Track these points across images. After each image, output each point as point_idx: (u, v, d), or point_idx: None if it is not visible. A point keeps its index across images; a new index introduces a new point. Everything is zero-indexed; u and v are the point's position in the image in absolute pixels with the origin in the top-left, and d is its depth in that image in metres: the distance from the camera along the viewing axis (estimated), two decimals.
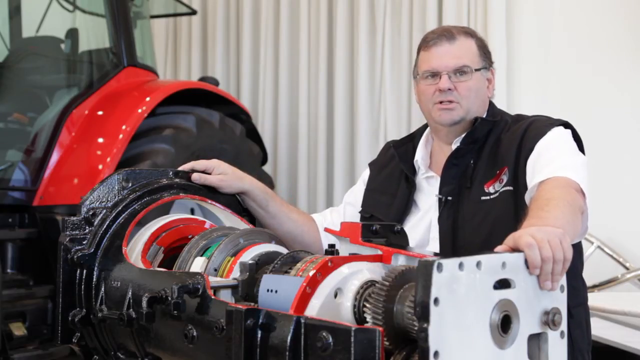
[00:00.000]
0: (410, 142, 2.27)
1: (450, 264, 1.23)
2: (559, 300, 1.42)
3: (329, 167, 5.07)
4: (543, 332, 1.39)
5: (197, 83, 4.43)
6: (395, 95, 4.84)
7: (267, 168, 4.78)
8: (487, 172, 2.04)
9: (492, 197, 2.00)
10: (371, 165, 2.37)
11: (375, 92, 4.91)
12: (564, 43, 4.51)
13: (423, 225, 2.11)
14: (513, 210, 1.94)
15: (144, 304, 1.57)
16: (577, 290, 2.02)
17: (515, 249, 1.39)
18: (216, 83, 4.55)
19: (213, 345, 1.48)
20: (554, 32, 4.53)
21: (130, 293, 1.71)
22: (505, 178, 1.99)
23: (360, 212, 2.25)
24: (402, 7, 4.81)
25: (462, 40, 2.09)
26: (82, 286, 1.83)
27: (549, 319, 1.38)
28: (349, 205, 2.32)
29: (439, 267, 1.21)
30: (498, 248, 1.42)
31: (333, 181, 5.01)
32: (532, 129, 2.02)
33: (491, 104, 2.19)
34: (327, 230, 1.85)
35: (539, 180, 1.85)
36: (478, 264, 1.27)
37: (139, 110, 3.78)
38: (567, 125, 2.06)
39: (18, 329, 3.32)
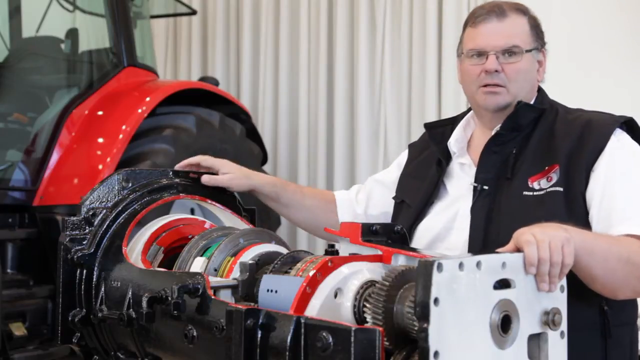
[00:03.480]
0: (449, 125, 2.11)
1: (450, 264, 1.23)
2: (559, 301, 1.42)
3: (329, 167, 5.07)
4: (543, 332, 1.39)
5: (197, 83, 4.43)
6: (395, 95, 4.83)
7: (267, 168, 4.78)
8: (533, 164, 1.87)
9: (536, 193, 1.84)
10: (410, 147, 2.24)
11: (375, 92, 4.91)
12: (564, 43, 4.51)
13: (449, 213, 1.97)
14: (565, 213, 1.77)
15: (144, 304, 1.57)
16: (622, 307, 1.88)
17: (518, 248, 1.40)
18: (216, 83, 4.55)
19: (213, 345, 1.48)
20: (553, 31, 4.52)
21: (130, 293, 1.71)
22: (555, 177, 1.83)
23: (393, 197, 2.14)
24: (402, 7, 4.80)
25: (513, 18, 1.93)
26: (82, 286, 1.82)
27: (549, 319, 1.38)
28: (377, 184, 2.23)
29: (439, 267, 1.21)
30: (501, 249, 1.42)
31: (333, 181, 5.00)
32: (591, 128, 1.86)
33: (541, 91, 2.02)
34: (326, 230, 1.85)
35: (620, 232, 1.71)
36: (478, 264, 1.28)
37: (139, 110, 3.78)
38: (629, 123, 1.90)
39: (18, 329, 3.32)
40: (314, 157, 5.11)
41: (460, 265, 1.24)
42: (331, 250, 1.60)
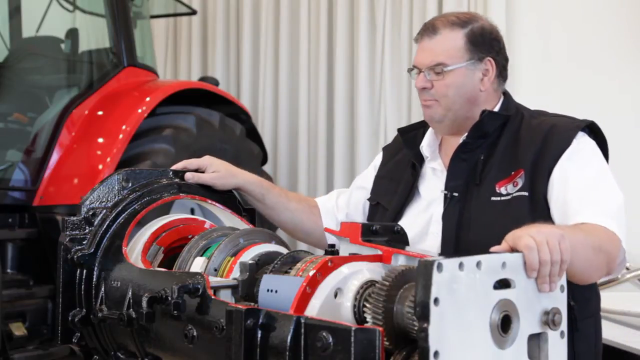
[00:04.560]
0: (421, 128, 2.17)
1: (450, 264, 1.23)
2: (559, 300, 1.42)
3: (329, 167, 5.07)
4: (543, 332, 1.39)
5: (197, 83, 4.43)
6: (395, 95, 4.84)
7: (267, 168, 4.78)
8: (500, 170, 1.94)
9: (503, 198, 1.90)
10: (384, 150, 2.30)
11: (375, 92, 4.91)
12: (564, 43, 4.51)
13: (424, 218, 2.03)
14: (529, 217, 1.81)
15: (144, 304, 1.57)
16: (588, 301, 1.95)
17: (513, 249, 1.40)
18: (216, 83, 4.55)
19: (213, 345, 1.48)
20: (554, 32, 4.53)
21: (130, 293, 1.71)
22: (520, 182, 1.90)
23: (369, 199, 2.20)
24: (402, 7, 4.81)
25: (444, 34, 1.99)
26: (82, 286, 1.82)
27: (549, 319, 1.38)
28: (358, 190, 2.26)
29: (439, 267, 1.21)
30: (496, 247, 1.42)
31: (333, 181, 5.01)
32: (554, 133, 1.92)
33: (507, 96, 2.08)
34: (326, 230, 1.85)
35: (582, 221, 1.76)
36: (478, 264, 1.28)
37: (139, 110, 3.78)
38: (592, 127, 1.97)
39: (18, 329, 3.32)
40: (314, 157, 5.11)
41: (460, 265, 1.24)
42: (331, 250, 1.60)
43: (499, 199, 1.91)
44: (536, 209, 1.86)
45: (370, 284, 1.43)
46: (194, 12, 5.14)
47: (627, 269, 4.09)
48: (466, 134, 2.00)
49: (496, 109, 2.03)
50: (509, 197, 1.90)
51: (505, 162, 1.94)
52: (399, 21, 4.83)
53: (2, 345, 3.22)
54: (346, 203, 2.26)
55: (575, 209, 1.81)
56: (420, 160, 2.11)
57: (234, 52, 5.51)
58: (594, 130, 1.99)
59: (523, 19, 4.59)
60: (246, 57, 5.38)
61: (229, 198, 2.11)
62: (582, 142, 1.93)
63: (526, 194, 1.89)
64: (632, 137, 4.31)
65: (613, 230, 1.76)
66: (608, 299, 3.56)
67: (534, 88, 4.53)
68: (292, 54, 5.23)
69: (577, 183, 1.85)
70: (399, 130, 2.22)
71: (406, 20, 4.78)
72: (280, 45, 5.25)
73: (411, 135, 2.17)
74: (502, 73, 2.07)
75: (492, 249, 1.43)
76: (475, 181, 1.96)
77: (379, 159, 2.29)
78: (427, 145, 2.10)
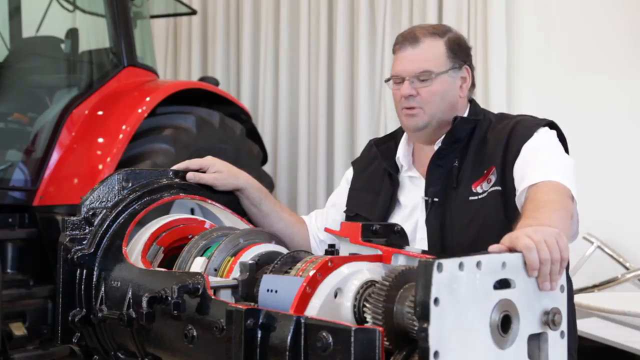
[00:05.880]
0: (392, 140, 2.27)
1: (450, 263, 1.23)
2: (559, 300, 1.42)
3: (329, 167, 5.08)
4: (543, 332, 1.39)
5: (197, 83, 4.43)
6: None
7: (267, 168, 4.78)
8: (474, 172, 2.03)
9: (480, 197, 2.00)
10: (354, 164, 2.35)
11: (375, 92, 4.92)
12: (564, 43, 4.51)
13: (409, 226, 2.08)
14: (502, 210, 1.95)
15: (144, 304, 1.57)
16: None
17: (512, 249, 1.40)
18: (216, 83, 4.55)
19: (213, 345, 1.48)
20: (554, 32, 4.54)
21: (130, 293, 1.71)
22: (493, 178, 1.99)
23: (345, 211, 2.24)
24: (402, 7, 4.81)
25: (426, 43, 2.07)
26: (82, 286, 1.82)
27: (549, 319, 1.38)
28: (332, 208, 2.31)
29: (439, 267, 1.21)
30: (494, 247, 1.42)
31: (333, 181, 5.01)
32: (518, 129, 2.02)
33: (473, 103, 2.18)
34: (327, 230, 1.86)
35: (530, 183, 1.85)
36: (478, 264, 1.28)
37: (139, 110, 3.78)
38: (552, 125, 2.07)
39: (18, 329, 3.32)
40: (314, 157, 5.11)
41: (460, 265, 1.24)
42: (331, 250, 1.60)
43: (476, 198, 2.01)
44: (509, 200, 1.94)
45: (370, 284, 1.43)
46: (194, 12, 5.15)
47: (627, 268, 4.10)
48: (441, 140, 2.08)
49: (465, 115, 2.13)
50: (484, 194, 2.00)
51: (477, 163, 2.04)
52: (399, 21, 4.82)
53: (2, 345, 3.22)
54: (324, 223, 2.28)
55: (526, 173, 1.90)
56: (396, 170, 2.19)
57: (234, 52, 5.51)
58: (554, 129, 2.08)
59: (523, 19, 4.59)
60: (246, 57, 5.38)
61: (230, 198, 2.11)
62: (542, 132, 2.03)
63: (499, 188, 1.98)
64: (632, 137, 4.31)
65: (559, 182, 1.83)
66: (608, 299, 3.57)
67: (534, 88, 4.53)
68: (292, 54, 5.23)
69: (531, 156, 1.95)
70: (375, 142, 2.30)
71: (406, 20, 4.78)
72: (280, 45, 5.25)
73: (385, 147, 2.25)
74: (473, 81, 2.17)
75: (490, 248, 1.43)
76: (453, 185, 2.04)
77: (350, 173, 2.34)
78: (402, 155, 2.18)
